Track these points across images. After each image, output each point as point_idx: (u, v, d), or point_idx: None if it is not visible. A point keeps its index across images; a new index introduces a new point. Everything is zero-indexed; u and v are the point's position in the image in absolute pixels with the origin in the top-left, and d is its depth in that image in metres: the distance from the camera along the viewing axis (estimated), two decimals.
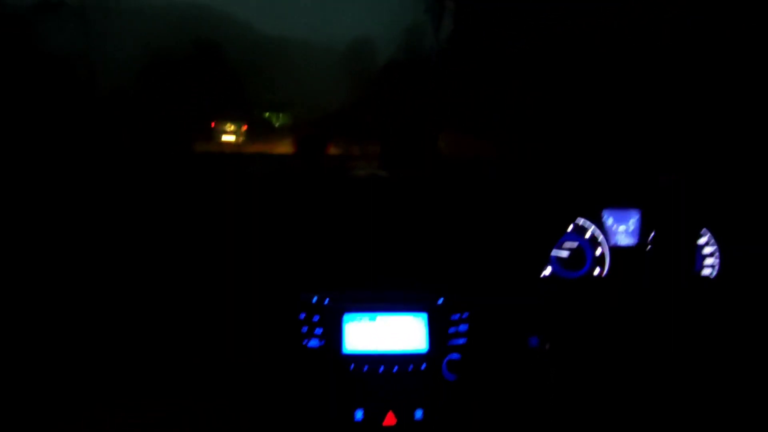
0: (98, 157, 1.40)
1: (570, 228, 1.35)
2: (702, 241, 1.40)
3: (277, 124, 1.83)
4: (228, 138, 1.83)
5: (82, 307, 1.21)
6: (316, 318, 1.16)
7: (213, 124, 1.86)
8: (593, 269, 1.34)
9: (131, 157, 1.45)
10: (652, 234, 1.35)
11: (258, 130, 1.80)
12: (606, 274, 1.33)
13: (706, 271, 1.38)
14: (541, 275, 1.32)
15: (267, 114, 1.86)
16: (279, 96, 1.80)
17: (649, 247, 1.35)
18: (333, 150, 1.55)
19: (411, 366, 1.14)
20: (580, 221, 1.36)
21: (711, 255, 1.40)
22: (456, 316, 1.18)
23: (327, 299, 1.17)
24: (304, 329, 1.15)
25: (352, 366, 1.14)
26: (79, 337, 1.21)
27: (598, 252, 1.35)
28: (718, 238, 1.39)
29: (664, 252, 1.29)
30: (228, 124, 1.84)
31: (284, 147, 1.70)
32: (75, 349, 1.21)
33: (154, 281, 1.21)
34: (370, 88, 1.66)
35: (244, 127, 1.88)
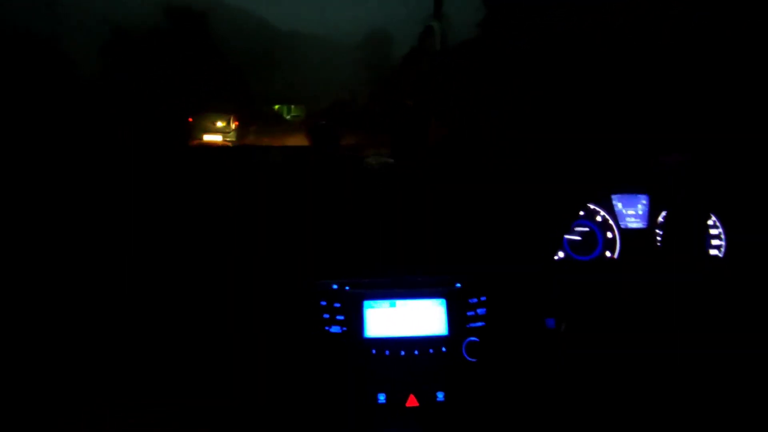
0: (104, 151, 1.39)
1: (581, 213, 1.38)
2: (708, 222, 1.43)
3: (288, 117, 1.74)
4: (212, 138, 1.53)
5: (92, 303, 1.21)
6: (337, 305, 1.17)
7: (190, 119, 1.56)
8: (605, 252, 1.37)
9: (143, 150, 1.44)
10: (661, 216, 1.38)
11: (267, 124, 1.69)
12: (617, 257, 1.36)
13: (713, 252, 1.42)
14: (555, 258, 1.34)
15: (277, 107, 1.75)
16: (288, 89, 1.74)
17: (658, 229, 1.38)
18: (344, 140, 1.57)
19: (431, 350, 1.17)
20: (591, 206, 1.38)
21: (717, 236, 1.43)
22: (474, 300, 1.20)
23: (347, 286, 1.19)
24: (326, 316, 1.17)
25: (374, 350, 1.16)
26: (88, 333, 1.21)
27: (609, 235, 1.37)
28: (723, 221, 1.43)
29: (675, 233, 1.31)
30: (213, 119, 1.54)
31: (294, 140, 1.67)
32: (81, 345, 1.21)
33: (176, 272, 1.21)
34: (381, 80, 1.68)
35: (235, 123, 1.60)
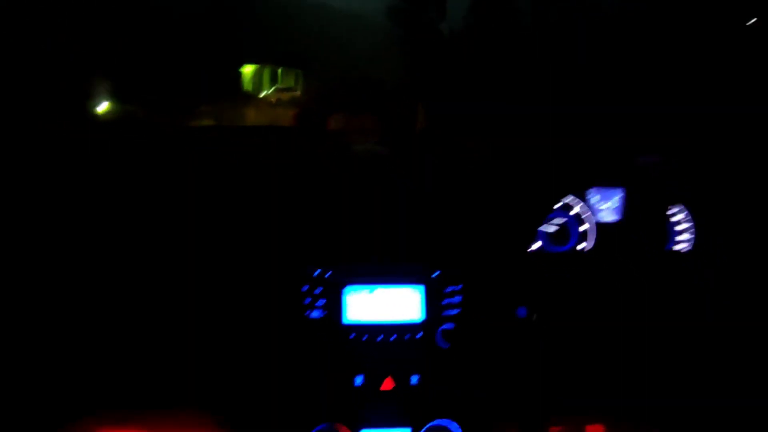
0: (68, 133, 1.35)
1: (557, 205, 1.42)
2: (678, 217, 1.48)
3: (270, 91, 1.36)
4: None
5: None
6: (318, 290, 1.21)
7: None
8: (579, 244, 1.42)
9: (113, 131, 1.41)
10: (634, 210, 1.43)
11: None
12: (590, 249, 1.41)
13: (680, 246, 1.48)
14: (530, 250, 1.39)
15: (250, 68, 1.27)
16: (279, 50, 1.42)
17: (631, 223, 1.43)
18: (332, 125, 1.57)
19: (408, 335, 1.22)
20: (567, 199, 1.43)
21: (686, 231, 1.48)
22: (450, 289, 1.25)
23: (329, 272, 1.22)
24: (307, 301, 1.21)
25: (353, 335, 1.21)
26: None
27: (584, 228, 1.42)
28: (694, 215, 1.48)
29: (639, 227, 1.37)
30: (273, 73, 1.24)
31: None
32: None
33: (155, 260, 1.23)
34: (372, 61, 1.64)
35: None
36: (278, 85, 1.26)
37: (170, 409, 1.25)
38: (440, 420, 1.22)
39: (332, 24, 1.58)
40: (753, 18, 1.57)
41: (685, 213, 1.49)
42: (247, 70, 1.22)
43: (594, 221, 1.42)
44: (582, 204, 1.42)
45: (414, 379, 1.21)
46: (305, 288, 1.21)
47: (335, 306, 1.21)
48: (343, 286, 1.22)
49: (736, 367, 1.33)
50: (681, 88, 1.50)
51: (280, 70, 1.25)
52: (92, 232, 1.24)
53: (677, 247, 1.47)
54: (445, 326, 1.22)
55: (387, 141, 1.59)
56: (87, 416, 1.25)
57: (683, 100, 1.49)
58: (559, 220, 1.42)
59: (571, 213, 1.43)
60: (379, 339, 1.21)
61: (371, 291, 1.23)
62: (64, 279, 1.21)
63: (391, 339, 1.21)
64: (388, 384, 1.20)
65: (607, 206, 1.44)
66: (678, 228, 1.48)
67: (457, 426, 1.22)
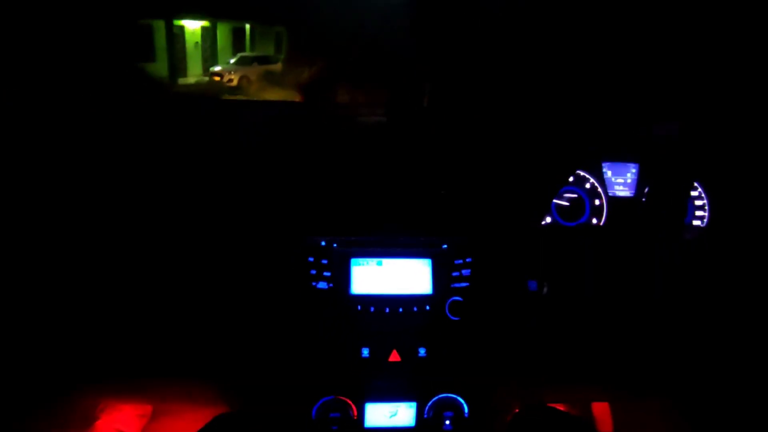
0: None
1: (570, 179, 1.38)
2: (693, 193, 1.44)
3: (229, 64, 1.03)
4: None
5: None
6: (324, 261, 1.19)
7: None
8: (591, 219, 1.39)
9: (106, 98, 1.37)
10: (649, 185, 1.39)
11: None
12: (603, 224, 1.38)
13: (694, 222, 1.44)
14: (542, 223, 1.36)
15: (201, 26, 0.91)
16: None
17: (645, 198, 1.40)
18: (339, 97, 1.53)
19: (415, 307, 1.20)
20: (581, 173, 1.39)
21: (701, 207, 1.45)
22: (459, 261, 1.22)
23: (335, 243, 1.20)
24: (313, 272, 1.19)
25: (359, 307, 1.19)
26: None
27: (597, 202, 1.39)
28: (708, 191, 1.44)
29: (659, 203, 1.33)
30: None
31: None
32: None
33: (161, 229, 1.21)
34: (377, 31, 1.59)
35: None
36: (246, 54, 0.91)
37: (176, 380, 1.25)
38: (446, 394, 1.22)
39: None
40: None
41: (700, 189, 1.45)
42: (192, 27, 0.84)
43: (608, 196, 1.39)
44: (596, 178, 1.39)
45: (421, 352, 1.19)
46: (311, 259, 1.19)
47: (342, 277, 1.19)
48: (350, 257, 1.20)
49: (748, 341, 1.31)
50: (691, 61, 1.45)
51: (248, 28, 0.87)
52: (94, 200, 1.21)
53: (692, 223, 1.44)
54: (453, 299, 1.20)
55: (394, 114, 1.55)
56: (91, 384, 1.25)
57: (700, 73, 1.43)
58: (572, 195, 1.39)
59: (585, 187, 1.39)
60: (386, 311, 1.19)
61: (378, 263, 1.21)
62: (66, 246, 1.19)
63: (399, 311, 1.19)
64: (394, 356, 1.18)
65: (620, 181, 1.41)
66: (692, 203, 1.44)
67: (463, 400, 1.22)
